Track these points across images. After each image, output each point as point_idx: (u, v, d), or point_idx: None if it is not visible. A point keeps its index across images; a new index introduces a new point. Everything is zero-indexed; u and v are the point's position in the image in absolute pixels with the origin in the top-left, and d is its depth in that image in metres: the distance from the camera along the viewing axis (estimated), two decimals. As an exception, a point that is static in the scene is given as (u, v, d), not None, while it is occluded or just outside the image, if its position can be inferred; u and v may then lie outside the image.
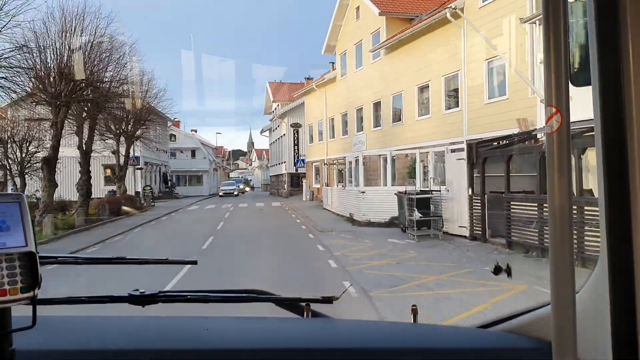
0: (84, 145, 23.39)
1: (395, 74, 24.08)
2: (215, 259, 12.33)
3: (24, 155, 27.07)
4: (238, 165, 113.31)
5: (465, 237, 14.80)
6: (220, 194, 49.63)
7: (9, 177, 27.85)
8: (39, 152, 26.85)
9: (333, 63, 33.77)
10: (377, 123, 26.75)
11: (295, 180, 43.80)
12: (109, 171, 41.25)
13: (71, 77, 19.39)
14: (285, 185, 44.81)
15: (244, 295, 1.58)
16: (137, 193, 35.11)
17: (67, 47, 19.95)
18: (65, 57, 19.79)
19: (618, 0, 0.87)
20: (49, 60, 19.84)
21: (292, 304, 1.62)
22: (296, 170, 43.71)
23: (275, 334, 1.45)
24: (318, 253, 13.67)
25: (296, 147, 43.57)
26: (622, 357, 0.89)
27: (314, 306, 1.58)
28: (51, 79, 19.84)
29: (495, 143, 15.00)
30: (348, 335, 1.48)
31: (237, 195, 49.09)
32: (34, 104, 22.63)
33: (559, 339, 0.80)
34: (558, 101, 0.80)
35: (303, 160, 39.54)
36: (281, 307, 1.62)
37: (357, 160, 23.57)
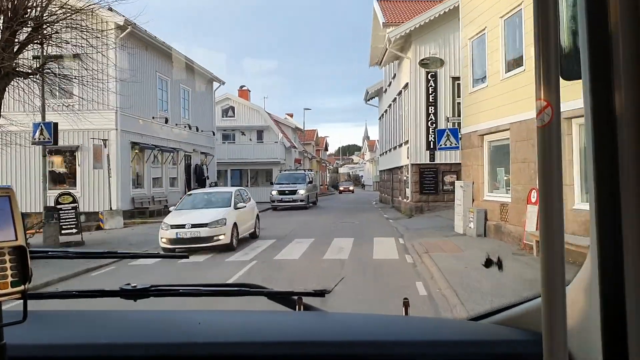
0: None
1: None
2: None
3: None
4: (352, 160, 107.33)
5: None
6: (161, 242, 12.60)
7: None
8: None
9: None
10: None
11: (431, 180, 20.83)
12: (58, 160, 21.49)
13: None
14: (408, 190, 21.92)
15: (236, 289, 1.59)
16: (48, 209, 14.55)
17: None
18: None
19: None
20: None
21: (284, 297, 1.62)
22: (431, 158, 20.80)
23: (267, 327, 1.43)
24: None
25: (431, 109, 20.66)
26: (612, 348, 0.90)
27: (306, 299, 1.56)
28: None
29: None
30: (340, 327, 1.46)
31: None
32: None
33: (550, 331, 0.81)
34: (548, 95, 0.79)
35: (455, 133, 16.36)
36: (273, 300, 1.61)
37: None
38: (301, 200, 27.91)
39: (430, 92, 20.53)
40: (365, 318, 1.62)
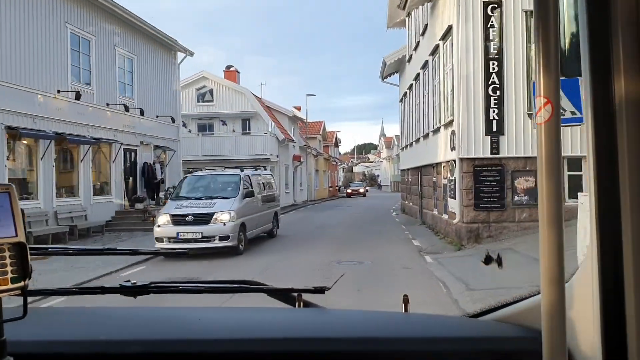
0: None
1: None
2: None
3: None
4: (368, 158, 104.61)
5: None
6: None
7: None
8: None
9: None
10: None
11: (493, 186, 12.41)
12: None
13: None
14: (454, 202, 13.50)
15: (235, 285, 1.61)
16: None
17: None
18: None
19: None
20: None
21: (284, 294, 1.61)
22: (494, 149, 12.40)
23: (267, 324, 1.43)
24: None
25: (493, 65, 12.29)
26: (611, 345, 0.90)
27: (306, 296, 1.57)
28: None
29: None
30: (339, 324, 1.46)
31: None
32: None
33: (549, 328, 0.81)
34: (549, 91, 0.80)
35: (575, 92, 8.14)
36: (273, 297, 1.60)
37: None
38: (222, 238, 12.19)
39: (491, 39, 12.20)
40: (364, 314, 1.62)
